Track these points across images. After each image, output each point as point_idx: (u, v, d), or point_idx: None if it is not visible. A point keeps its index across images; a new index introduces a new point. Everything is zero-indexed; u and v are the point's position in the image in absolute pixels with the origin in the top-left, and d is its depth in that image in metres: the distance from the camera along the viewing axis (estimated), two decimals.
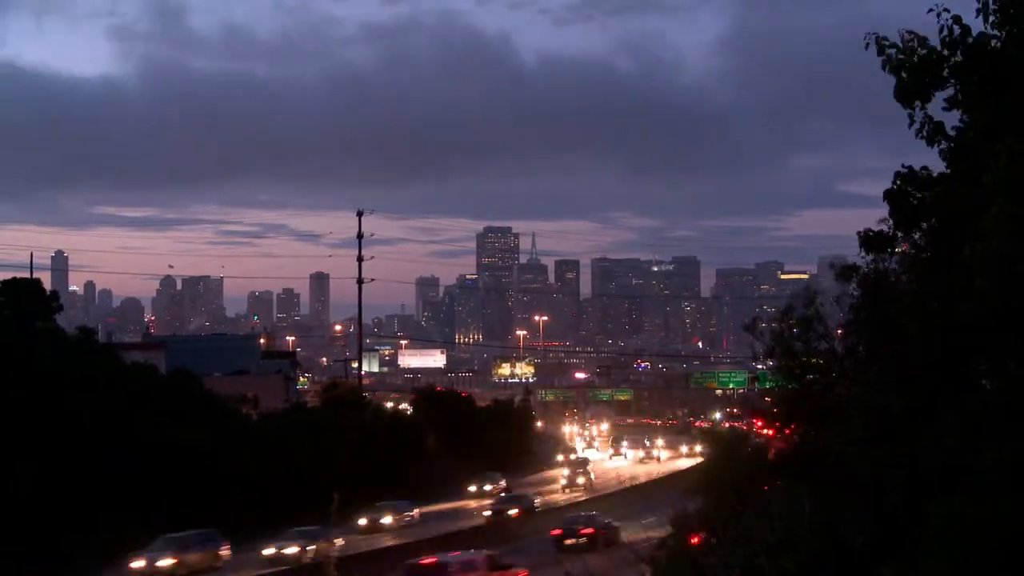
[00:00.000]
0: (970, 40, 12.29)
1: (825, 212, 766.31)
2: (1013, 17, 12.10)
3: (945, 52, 12.43)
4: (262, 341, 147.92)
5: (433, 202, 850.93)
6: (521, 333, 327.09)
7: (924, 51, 12.47)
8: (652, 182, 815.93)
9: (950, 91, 12.74)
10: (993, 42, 12.37)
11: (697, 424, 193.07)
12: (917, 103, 12.65)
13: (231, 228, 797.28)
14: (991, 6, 12.28)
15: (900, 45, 12.63)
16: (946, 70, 12.49)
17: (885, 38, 12.76)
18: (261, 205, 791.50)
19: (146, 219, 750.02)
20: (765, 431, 27.02)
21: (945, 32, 12.36)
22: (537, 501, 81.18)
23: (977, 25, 12.49)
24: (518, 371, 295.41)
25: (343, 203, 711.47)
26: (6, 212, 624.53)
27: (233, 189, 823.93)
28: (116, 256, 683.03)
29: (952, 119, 13.02)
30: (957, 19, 12.40)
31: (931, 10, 12.41)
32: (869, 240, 14.90)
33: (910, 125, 12.79)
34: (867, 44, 12.74)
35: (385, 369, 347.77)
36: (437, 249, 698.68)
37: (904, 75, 12.54)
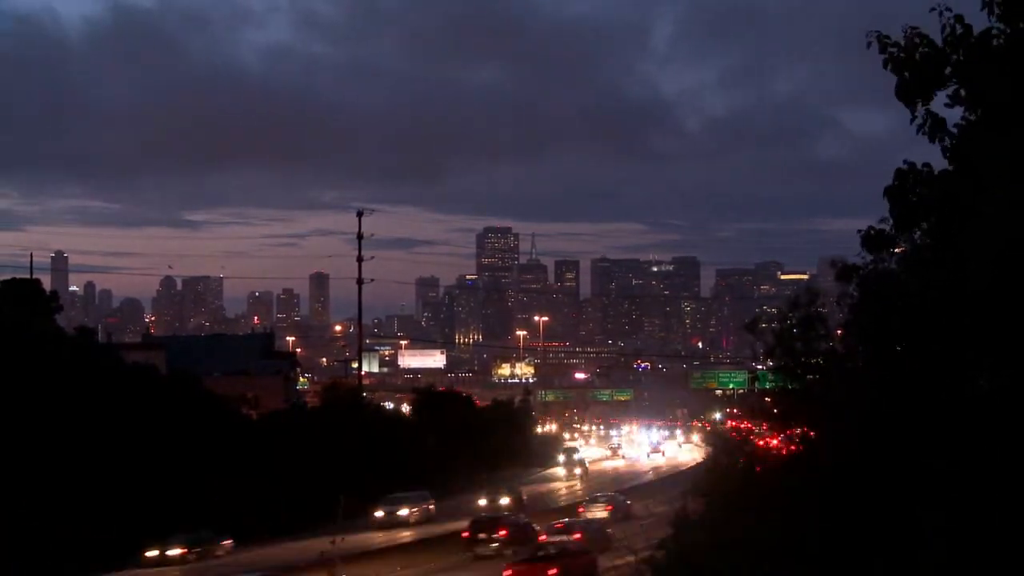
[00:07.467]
0: (972, 40, 12.24)
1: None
2: (1017, 7, 12.03)
3: (947, 50, 12.38)
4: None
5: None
6: (521, 333, 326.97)
7: (926, 49, 12.41)
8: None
9: (952, 89, 12.68)
10: (995, 41, 12.32)
11: (695, 424, 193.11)
12: (918, 102, 12.60)
13: (279, 231, 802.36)
14: None
15: (902, 43, 12.59)
16: (948, 68, 12.43)
17: (887, 36, 12.72)
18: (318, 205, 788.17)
19: (199, 221, 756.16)
20: (764, 432, 26.96)
21: (948, 31, 12.30)
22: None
23: (982, 20, 12.43)
24: (518, 371, 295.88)
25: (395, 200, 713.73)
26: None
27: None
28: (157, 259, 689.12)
29: (954, 115, 12.98)
30: (959, 18, 12.35)
31: (933, 8, 12.37)
32: (870, 238, 14.84)
33: (912, 121, 12.74)
34: (869, 43, 12.70)
35: (385, 369, 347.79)
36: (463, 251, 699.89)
37: (906, 74, 12.49)
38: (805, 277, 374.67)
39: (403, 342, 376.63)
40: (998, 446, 12.57)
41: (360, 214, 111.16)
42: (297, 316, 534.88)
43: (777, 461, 23.01)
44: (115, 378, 68.18)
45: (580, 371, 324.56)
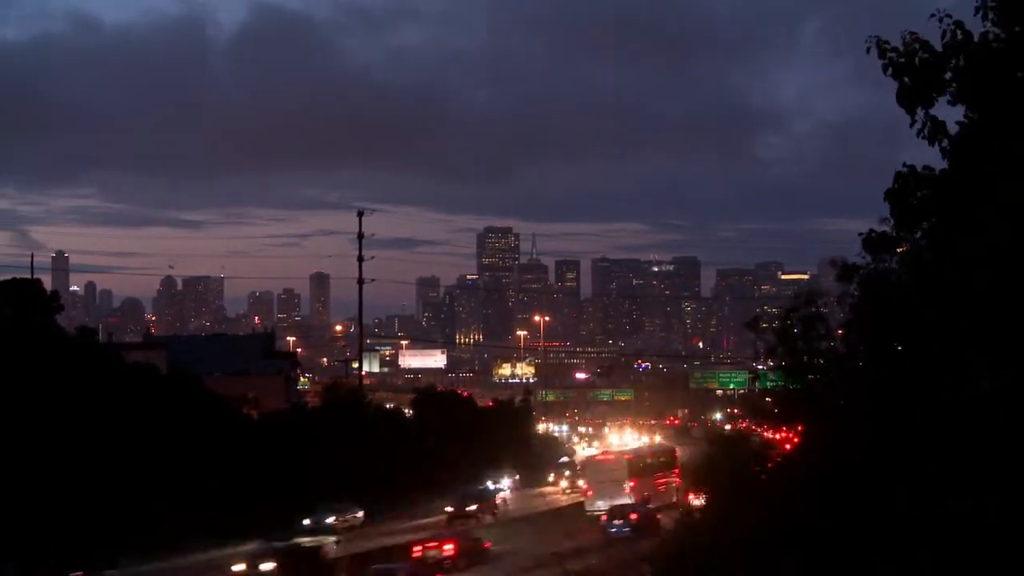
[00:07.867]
0: (972, 45, 12.30)
1: None
2: (1012, 11, 12.11)
3: (948, 55, 12.44)
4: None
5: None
6: (521, 333, 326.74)
7: (926, 55, 12.47)
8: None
9: (951, 94, 12.74)
10: (994, 43, 12.38)
11: (695, 425, 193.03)
12: (919, 107, 12.67)
13: (281, 231, 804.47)
14: (989, 3, 12.31)
15: (901, 48, 12.65)
16: (949, 73, 12.48)
17: (887, 41, 12.78)
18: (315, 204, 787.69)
19: (200, 221, 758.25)
20: (766, 431, 27.01)
21: (948, 37, 12.37)
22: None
23: (978, 25, 12.51)
24: (518, 371, 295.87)
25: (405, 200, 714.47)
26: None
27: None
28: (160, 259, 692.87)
29: (955, 114, 13.04)
30: (959, 24, 12.41)
31: (933, 15, 12.43)
32: (871, 241, 14.89)
33: (911, 125, 12.80)
34: (868, 48, 12.76)
35: (386, 369, 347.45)
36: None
37: (906, 79, 12.55)
38: (805, 277, 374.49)
39: (404, 342, 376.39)
40: (998, 446, 12.60)
41: (360, 214, 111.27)
42: (298, 316, 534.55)
43: (778, 460, 23.06)
44: (116, 378, 68.22)
45: (580, 371, 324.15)
